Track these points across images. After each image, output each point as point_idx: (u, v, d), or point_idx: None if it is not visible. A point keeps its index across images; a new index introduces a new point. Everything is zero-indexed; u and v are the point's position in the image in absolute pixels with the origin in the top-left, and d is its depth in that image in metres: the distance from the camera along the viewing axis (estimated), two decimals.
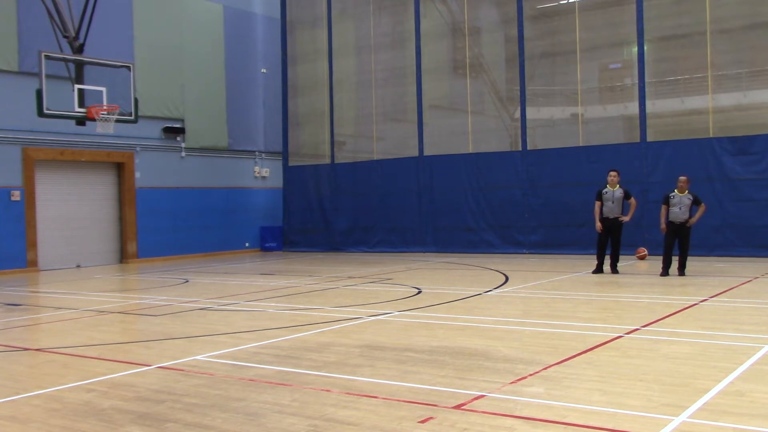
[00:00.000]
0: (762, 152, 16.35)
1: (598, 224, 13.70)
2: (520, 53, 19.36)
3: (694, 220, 13.02)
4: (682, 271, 13.11)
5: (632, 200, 13.82)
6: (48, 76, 16.03)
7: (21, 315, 10.79)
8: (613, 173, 13.77)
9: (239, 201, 23.90)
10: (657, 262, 15.63)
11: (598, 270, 13.89)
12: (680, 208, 12.96)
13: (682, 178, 13.12)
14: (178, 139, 22.12)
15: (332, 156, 23.08)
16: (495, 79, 21.16)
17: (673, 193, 13.10)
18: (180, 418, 5.05)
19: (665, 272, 13.04)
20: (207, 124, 22.94)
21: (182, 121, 22.24)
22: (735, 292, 10.77)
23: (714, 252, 16.48)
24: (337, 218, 22.74)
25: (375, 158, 22.31)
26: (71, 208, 19.85)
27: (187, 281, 15.03)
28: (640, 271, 14.57)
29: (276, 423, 4.89)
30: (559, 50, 20.21)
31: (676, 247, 13.15)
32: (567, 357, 6.62)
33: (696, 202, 13.00)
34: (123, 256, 20.86)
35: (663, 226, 13.17)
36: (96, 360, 7.22)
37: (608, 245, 13.88)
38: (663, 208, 13.16)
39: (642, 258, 16.38)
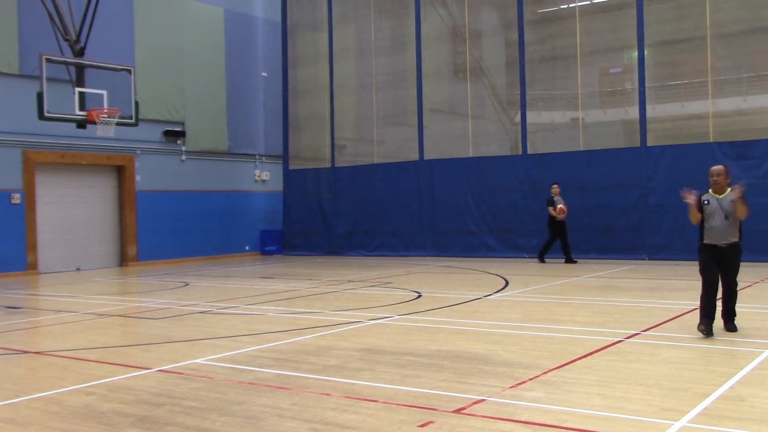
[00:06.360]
0: (762, 157, 16.34)
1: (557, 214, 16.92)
2: (521, 57, 19.37)
3: (737, 196, 7.81)
4: (730, 321, 7.90)
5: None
6: (49, 79, 16.05)
7: (21, 318, 10.79)
8: (555, 186, 17.35)
9: (239, 204, 23.89)
10: (655, 267, 15.66)
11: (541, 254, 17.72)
12: (720, 220, 7.81)
13: (716, 168, 8.00)
14: (179, 142, 22.12)
15: (332, 159, 23.08)
16: (495, 83, 21.17)
17: (706, 196, 7.98)
18: (179, 422, 5.05)
19: (709, 329, 7.57)
20: (207, 128, 22.94)
21: (183, 124, 22.24)
22: None
23: None
24: (337, 222, 22.74)
25: (375, 162, 22.30)
26: (71, 211, 19.83)
27: (187, 284, 15.02)
28: (639, 275, 14.56)
29: (275, 426, 4.89)
30: (560, 54, 20.22)
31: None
32: (567, 361, 6.61)
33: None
34: (123, 259, 20.85)
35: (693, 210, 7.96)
36: (96, 363, 7.22)
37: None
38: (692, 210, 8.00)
39: (561, 214, 17.07)
